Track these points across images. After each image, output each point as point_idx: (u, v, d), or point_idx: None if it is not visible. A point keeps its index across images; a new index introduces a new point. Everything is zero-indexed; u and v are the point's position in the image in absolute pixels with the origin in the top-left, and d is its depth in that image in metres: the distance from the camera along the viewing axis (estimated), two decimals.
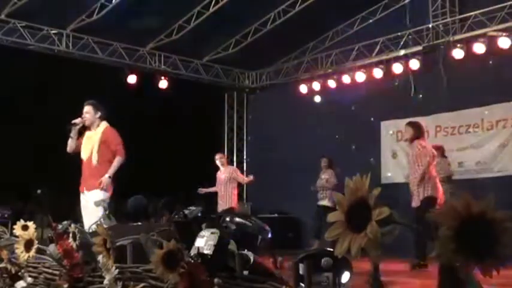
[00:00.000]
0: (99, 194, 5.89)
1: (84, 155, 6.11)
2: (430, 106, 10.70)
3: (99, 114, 6.18)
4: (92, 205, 5.81)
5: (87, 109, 6.17)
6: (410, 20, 11.02)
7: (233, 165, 14.19)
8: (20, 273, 2.85)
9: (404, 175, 11.20)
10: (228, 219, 2.79)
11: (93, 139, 6.08)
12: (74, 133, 6.17)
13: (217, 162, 9.85)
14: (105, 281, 2.30)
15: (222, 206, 9.53)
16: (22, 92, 10.48)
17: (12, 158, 10.16)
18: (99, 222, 3.58)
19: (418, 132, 7.46)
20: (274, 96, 13.59)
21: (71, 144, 6.20)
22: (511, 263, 1.20)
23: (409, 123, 7.69)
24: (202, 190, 9.78)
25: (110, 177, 5.95)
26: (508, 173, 9.79)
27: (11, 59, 10.56)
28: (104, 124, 6.15)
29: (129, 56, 12.15)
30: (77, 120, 6.17)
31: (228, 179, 9.62)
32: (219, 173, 9.84)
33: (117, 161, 5.99)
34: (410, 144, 7.55)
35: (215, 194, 9.84)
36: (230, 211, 9.32)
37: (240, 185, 14.11)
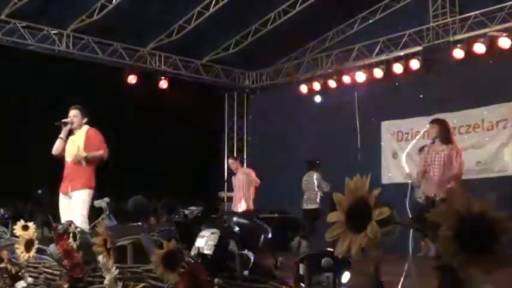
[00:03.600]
0: (85, 193, 5.92)
1: (69, 157, 6.11)
2: (430, 106, 10.70)
3: (85, 119, 6.25)
4: (77, 204, 5.85)
5: (75, 113, 6.19)
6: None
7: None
8: (20, 274, 2.86)
9: (405, 175, 11.24)
10: (230, 220, 2.79)
11: (77, 141, 6.11)
12: (64, 134, 6.17)
13: (231, 167, 9.86)
14: (106, 281, 2.30)
15: (239, 208, 9.40)
16: (22, 92, 10.48)
17: (13, 158, 10.16)
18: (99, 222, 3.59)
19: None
20: (275, 96, 13.59)
21: (58, 146, 6.19)
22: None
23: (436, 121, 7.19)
24: (223, 194, 9.72)
25: (86, 157, 5.98)
26: (508, 173, 9.79)
27: (11, 59, 10.56)
28: (86, 127, 6.20)
29: (130, 56, 12.15)
30: (68, 120, 6.17)
31: (244, 181, 9.55)
32: (234, 177, 9.81)
33: (99, 153, 6.05)
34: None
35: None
36: (248, 213, 9.25)
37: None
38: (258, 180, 9.94)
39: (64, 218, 5.81)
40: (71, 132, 6.22)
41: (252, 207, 9.42)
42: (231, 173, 13.51)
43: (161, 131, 12.13)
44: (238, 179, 9.62)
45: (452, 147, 6.90)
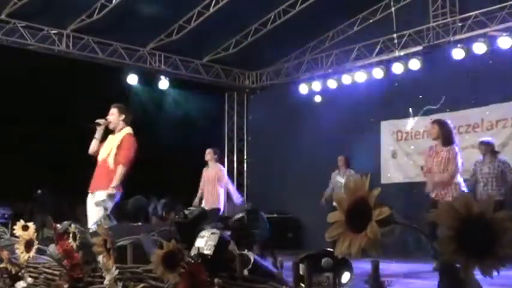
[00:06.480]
0: (101, 194, 5.87)
1: (100, 156, 6.08)
2: (430, 106, 10.70)
3: (122, 117, 6.19)
4: (96, 204, 5.83)
5: (112, 111, 6.19)
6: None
7: (233, 165, 14.19)
8: (20, 274, 2.86)
9: (404, 175, 11.25)
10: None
11: (113, 141, 6.10)
12: (98, 134, 6.16)
13: (205, 157, 9.35)
14: (106, 281, 2.30)
15: (206, 206, 8.86)
16: (22, 92, 10.48)
17: (13, 158, 10.16)
18: (99, 223, 3.59)
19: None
20: (275, 96, 13.59)
21: (94, 146, 6.17)
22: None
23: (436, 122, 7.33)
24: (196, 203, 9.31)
25: (113, 187, 5.89)
26: None
27: (11, 59, 10.56)
28: (126, 130, 6.18)
29: (130, 56, 12.15)
30: (101, 121, 6.16)
31: (215, 178, 9.13)
32: (205, 170, 9.35)
33: (119, 171, 5.93)
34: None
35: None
36: (214, 212, 8.90)
37: (238, 183, 14.14)
38: (226, 178, 9.50)
39: (89, 217, 5.83)
40: (110, 131, 6.19)
41: (216, 205, 9.05)
42: (232, 173, 13.53)
43: (161, 131, 12.14)
44: (208, 175, 9.30)
45: (450, 149, 6.93)
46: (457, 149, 7.05)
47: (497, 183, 8.16)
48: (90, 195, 6.03)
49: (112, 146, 6.05)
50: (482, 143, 8.56)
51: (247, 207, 12.87)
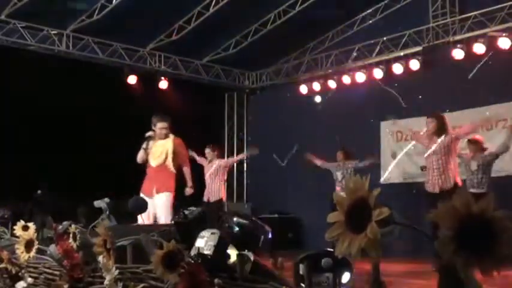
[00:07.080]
0: (167, 196, 6.59)
1: (154, 162, 6.73)
2: (430, 106, 10.70)
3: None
4: (161, 207, 6.46)
5: (166, 125, 6.84)
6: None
7: (233, 165, 14.19)
8: (20, 274, 2.86)
9: (404, 175, 11.25)
10: (230, 219, 2.79)
11: (164, 147, 6.74)
12: (148, 145, 6.76)
13: (207, 156, 9.63)
14: (106, 282, 2.30)
15: (210, 198, 9.31)
16: (22, 92, 10.48)
17: (13, 158, 10.16)
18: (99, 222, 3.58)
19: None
20: (275, 96, 13.59)
21: (142, 156, 6.80)
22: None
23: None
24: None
25: (191, 187, 6.94)
26: (508, 173, 9.78)
27: (12, 59, 10.56)
28: (171, 135, 6.85)
29: (129, 57, 12.16)
30: (151, 133, 6.77)
31: (216, 170, 9.42)
32: (206, 167, 9.57)
33: (188, 172, 6.95)
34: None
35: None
36: (219, 202, 9.23)
37: (238, 183, 14.15)
38: (234, 159, 10.28)
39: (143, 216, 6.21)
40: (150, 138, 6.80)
41: (220, 196, 9.37)
42: (232, 173, 13.53)
43: None
44: (210, 170, 9.53)
45: (447, 135, 7.27)
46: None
47: (484, 177, 8.32)
48: (149, 199, 6.35)
49: (165, 151, 6.72)
50: (470, 141, 8.62)
51: (246, 207, 12.90)
